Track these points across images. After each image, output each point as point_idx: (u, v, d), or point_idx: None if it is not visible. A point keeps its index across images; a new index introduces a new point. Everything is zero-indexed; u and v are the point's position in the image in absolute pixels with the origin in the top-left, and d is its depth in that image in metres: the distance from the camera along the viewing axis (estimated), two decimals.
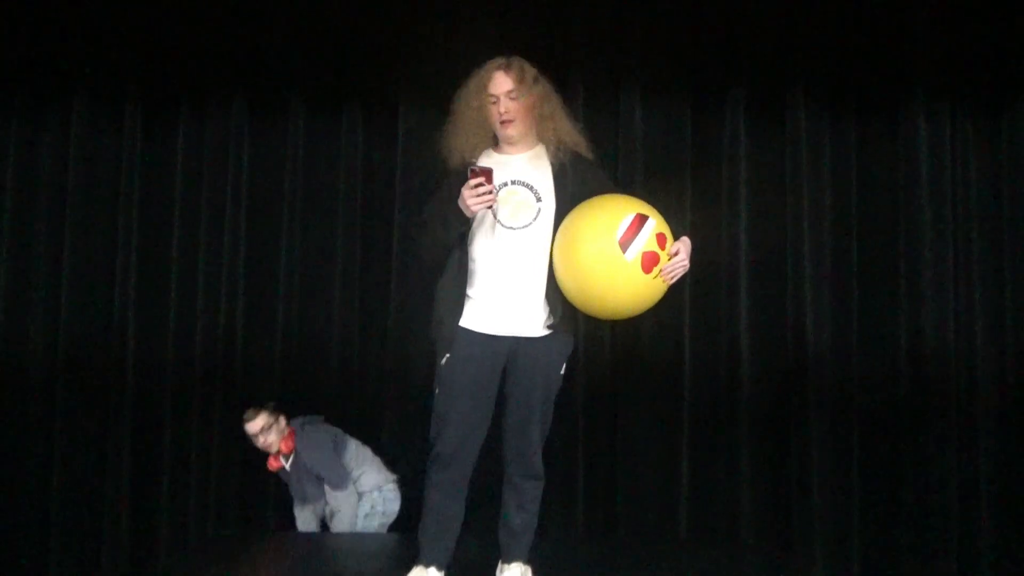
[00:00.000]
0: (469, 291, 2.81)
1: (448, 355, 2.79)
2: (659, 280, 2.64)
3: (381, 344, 4.32)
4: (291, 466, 4.07)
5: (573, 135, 2.90)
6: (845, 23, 4.30)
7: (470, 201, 2.68)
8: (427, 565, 2.84)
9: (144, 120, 4.40)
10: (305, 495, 4.08)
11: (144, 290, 4.37)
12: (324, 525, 4.13)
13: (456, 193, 2.75)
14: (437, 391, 2.83)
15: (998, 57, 4.28)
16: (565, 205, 2.81)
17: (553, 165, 2.86)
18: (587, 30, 4.36)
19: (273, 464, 4.12)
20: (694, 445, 4.27)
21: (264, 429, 4.03)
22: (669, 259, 2.65)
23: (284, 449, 4.07)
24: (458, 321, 2.80)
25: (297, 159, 4.39)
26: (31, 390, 4.34)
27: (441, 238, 2.81)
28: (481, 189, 2.68)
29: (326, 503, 4.08)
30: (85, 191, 4.38)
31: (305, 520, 4.14)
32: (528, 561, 2.93)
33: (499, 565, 2.93)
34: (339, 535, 3.96)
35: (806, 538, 4.16)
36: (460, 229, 2.79)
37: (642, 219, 2.64)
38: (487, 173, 2.71)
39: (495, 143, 2.88)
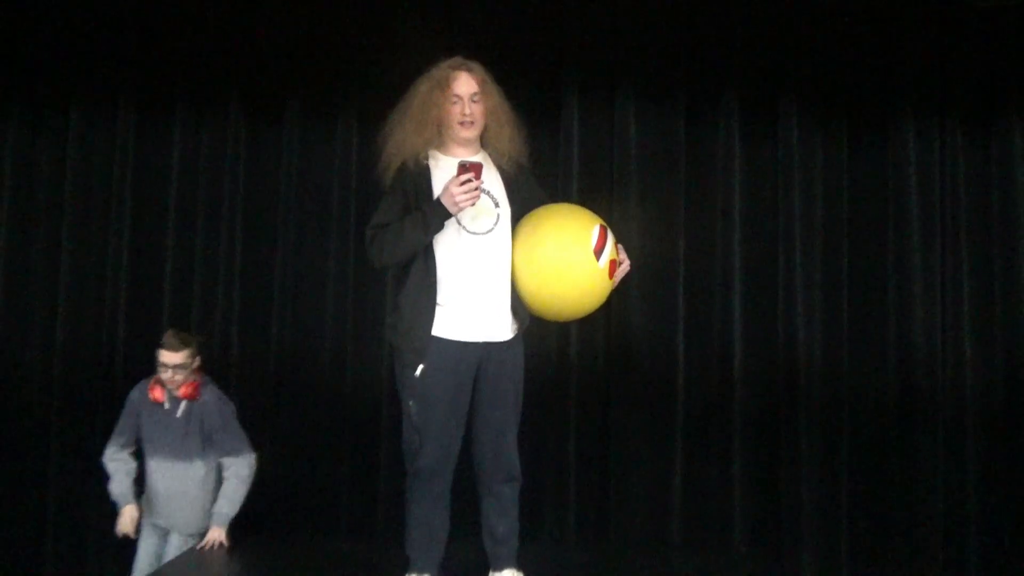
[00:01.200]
0: (439, 299, 2.78)
1: (423, 366, 2.77)
2: (612, 282, 2.87)
3: (374, 348, 4.32)
4: (180, 414, 3.53)
5: (521, 145, 2.91)
6: (837, 34, 4.32)
7: (459, 198, 2.66)
8: (420, 573, 2.85)
9: (139, 124, 4.39)
10: (175, 449, 3.53)
11: (138, 294, 4.35)
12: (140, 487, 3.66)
13: (420, 194, 2.76)
14: (411, 403, 2.80)
15: (987, 69, 4.31)
16: (517, 213, 2.86)
17: (504, 172, 2.89)
18: (581, 38, 4.37)
19: (157, 395, 3.54)
20: (687, 451, 4.28)
21: (179, 367, 3.49)
22: (619, 264, 2.85)
23: (185, 394, 3.50)
24: (430, 330, 2.77)
25: (292, 164, 4.38)
26: (27, 391, 4.34)
27: (418, 240, 2.75)
28: (470, 185, 2.66)
29: (150, 470, 3.58)
30: (81, 195, 4.37)
31: (118, 466, 3.60)
32: (520, 566, 2.93)
33: (490, 574, 2.92)
34: (328, 539, 3.97)
35: (795, 544, 4.18)
36: (441, 228, 2.75)
37: (605, 230, 2.83)
38: (477, 169, 2.67)
39: (439, 144, 2.86)
